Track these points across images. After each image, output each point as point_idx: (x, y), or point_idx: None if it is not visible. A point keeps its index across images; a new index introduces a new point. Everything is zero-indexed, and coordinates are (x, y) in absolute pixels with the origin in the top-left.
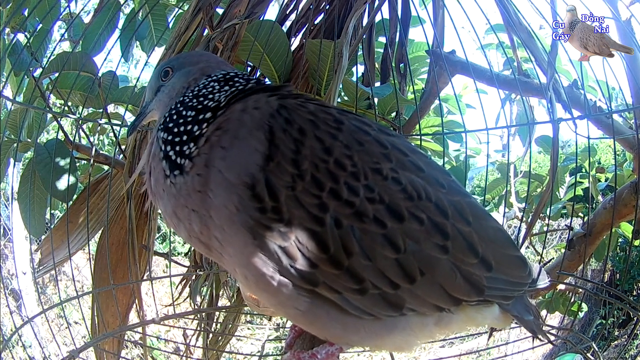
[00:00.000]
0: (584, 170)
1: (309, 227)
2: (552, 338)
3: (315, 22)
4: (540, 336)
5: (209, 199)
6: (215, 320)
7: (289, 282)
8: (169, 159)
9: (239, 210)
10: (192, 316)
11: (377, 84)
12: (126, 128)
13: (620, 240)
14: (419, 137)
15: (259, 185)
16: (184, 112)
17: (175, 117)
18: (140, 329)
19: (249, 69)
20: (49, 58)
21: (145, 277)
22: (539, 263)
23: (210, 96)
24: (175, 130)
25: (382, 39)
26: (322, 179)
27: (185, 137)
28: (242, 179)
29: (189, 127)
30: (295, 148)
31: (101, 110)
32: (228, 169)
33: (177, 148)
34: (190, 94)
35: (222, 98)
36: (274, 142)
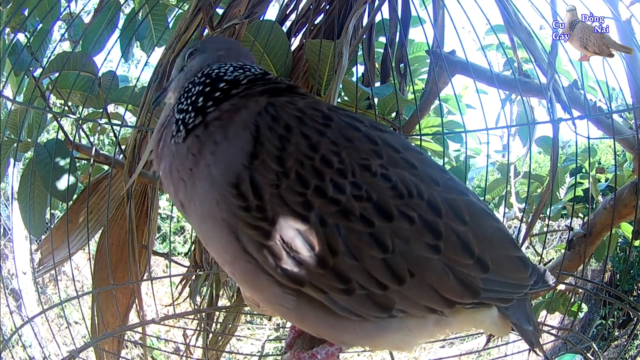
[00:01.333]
0: (584, 170)
1: (293, 226)
2: (550, 339)
3: (315, 22)
4: (537, 349)
5: (197, 182)
6: (215, 320)
7: (274, 280)
8: (177, 122)
9: (221, 209)
10: (192, 316)
11: (377, 84)
12: (126, 128)
13: (620, 240)
14: (419, 137)
15: (243, 184)
16: (193, 89)
17: (186, 94)
18: (140, 329)
19: None
20: (49, 58)
21: (145, 277)
22: (540, 263)
23: (225, 77)
24: (186, 101)
25: (382, 39)
26: (307, 177)
27: (190, 108)
28: (226, 177)
29: (195, 98)
30: (281, 145)
31: (101, 110)
32: (214, 165)
33: (183, 115)
34: (200, 76)
35: (241, 77)
36: (259, 139)
